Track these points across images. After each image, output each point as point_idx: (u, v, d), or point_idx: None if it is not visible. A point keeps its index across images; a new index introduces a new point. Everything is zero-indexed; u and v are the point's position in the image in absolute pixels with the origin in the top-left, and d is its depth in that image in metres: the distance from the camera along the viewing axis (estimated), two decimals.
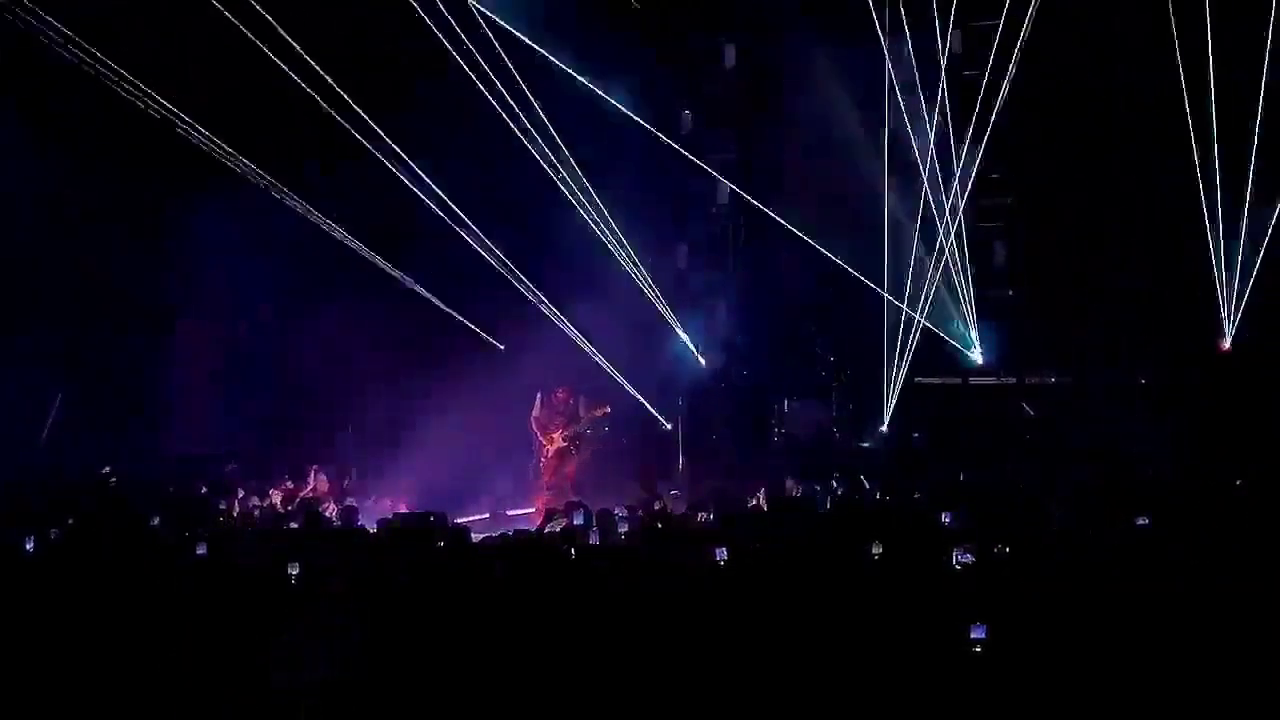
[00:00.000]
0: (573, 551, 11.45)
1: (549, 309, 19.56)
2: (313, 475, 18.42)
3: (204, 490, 17.31)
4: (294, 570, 10.36)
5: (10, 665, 8.66)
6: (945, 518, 12.45)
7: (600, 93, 19.13)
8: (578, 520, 12.93)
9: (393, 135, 18.44)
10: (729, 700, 8.44)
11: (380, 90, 18.42)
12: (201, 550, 11.31)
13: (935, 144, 20.01)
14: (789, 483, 16.79)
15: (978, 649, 8.44)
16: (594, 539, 12.31)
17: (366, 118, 18.14)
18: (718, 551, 10.82)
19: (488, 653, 8.76)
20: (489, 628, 9.00)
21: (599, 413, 19.04)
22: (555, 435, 18.94)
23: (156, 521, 13.60)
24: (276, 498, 17.63)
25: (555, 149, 19.12)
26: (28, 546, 10.86)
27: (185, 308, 20.11)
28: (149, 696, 8.55)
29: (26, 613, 9.23)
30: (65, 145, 18.20)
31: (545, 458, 19.00)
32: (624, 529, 13.40)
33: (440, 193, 18.83)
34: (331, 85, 17.78)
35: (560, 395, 19.05)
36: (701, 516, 14.12)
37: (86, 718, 8.44)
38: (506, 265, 19.39)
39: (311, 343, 19.39)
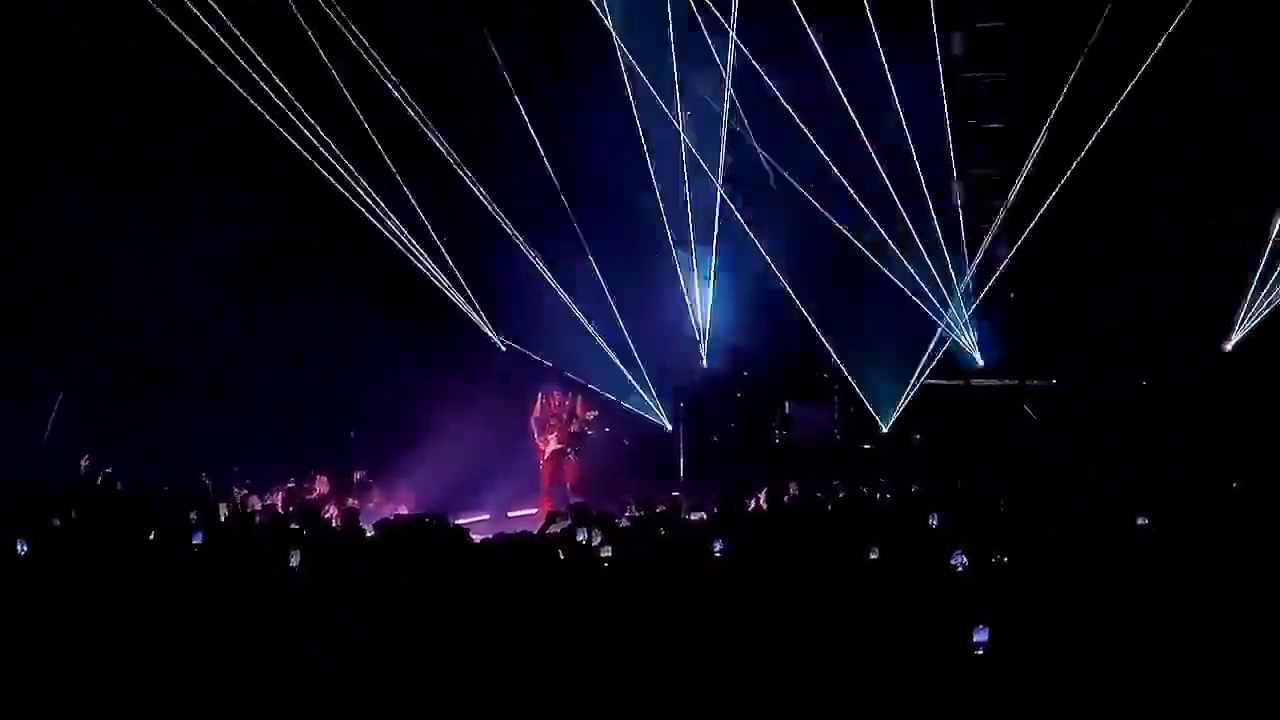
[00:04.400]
0: (563, 555, 11.42)
1: (550, 309, 19.58)
2: (314, 479, 18.40)
3: (209, 489, 17.32)
4: (294, 560, 10.36)
5: (9, 667, 8.66)
6: (934, 519, 12.46)
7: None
8: (581, 537, 12.83)
9: (394, 137, 18.50)
10: (730, 702, 8.43)
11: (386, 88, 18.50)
12: (198, 539, 11.32)
13: (937, 144, 20.04)
14: (791, 485, 16.79)
15: (980, 652, 8.43)
16: (597, 541, 12.29)
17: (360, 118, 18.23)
18: (717, 543, 10.82)
19: (487, 653, 8.75)
20: (487, 628, 8.99)
21: (590, 415, 18.91)
22: (550, 438, 18.81)
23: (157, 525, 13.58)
24: (278, 500, 17.62)
25: (557, 150, 19.19)
26: (21, 550, 10.84)
27: (182, 308, 20.07)
28: (148, 697, 8.55)
29: (22, 614, 9.23)
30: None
31: (543, 460, 18.88)
32: (625, 523, 13.42)
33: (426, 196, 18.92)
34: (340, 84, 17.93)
35: (557, 396, 18.93)
36: (697, 516, 14.13)
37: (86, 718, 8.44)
38: (508, 264, 19.43)
39: (313, 346, 19.40)
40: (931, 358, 20.38)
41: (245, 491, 17.44)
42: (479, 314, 19.83)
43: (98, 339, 19.54)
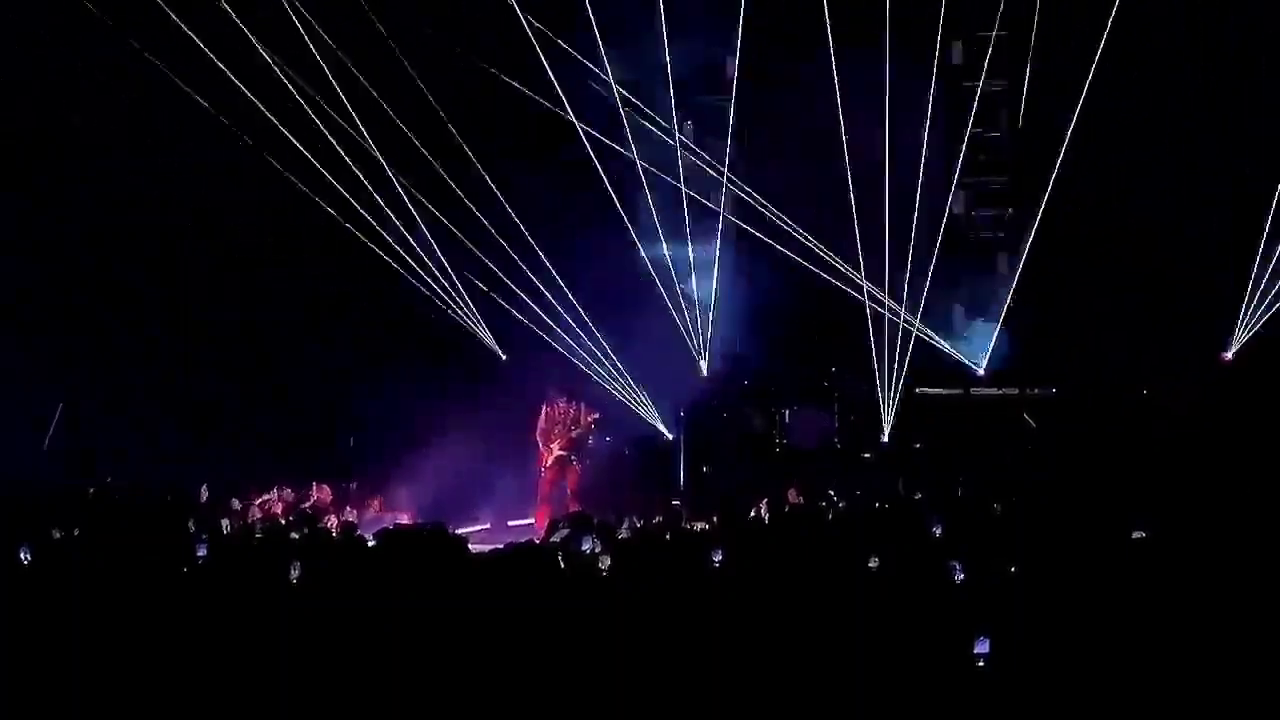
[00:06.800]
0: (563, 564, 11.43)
1: (551, 319, 19.58)
2: (314, 487, 18.39)
3: (204, 497, 17.35)
4: (295, 571, 10.38)
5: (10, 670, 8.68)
6: (936, 529, 12.47)
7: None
8: (585, 545, 12.83)
9: (390, 139, 18.57)
10: (731, 708, 8.44)
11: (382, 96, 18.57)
12: (202, 552, 11.36)
13: (938, 153, 20.07)
14: (791, 493, 16.81)
15: (980, 663, 8.44)
16: (598, 549, 12.29)
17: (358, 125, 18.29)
18: (714, 553, 10.84)
19: (486, 658, 8.76)
20: (487, 634, 8.99)
21: (591, 419, 18.81)
22: (554, 446, 18.66)
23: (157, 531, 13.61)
24: (277, 509, 17.61)
25: (556, 156, 19.25)
26: (24, 559, 10.87)
27: (181, 316, 20.10)
28: (149, 699, 8.56)
29: (24, 619, 9.25)
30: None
31: (544, 469, 18.73)
32: (625, 535, 13.42)
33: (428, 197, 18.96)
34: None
35: (561, 405, 18.79)
36: (698, 526, 14.12)
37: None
38: (508, 274, 19.44)
39: (312, 355, 19.42)
40: (920, 365, 20.40)
41: (246, 502, 17.46)
42: (480, 327, 19.86)
43: (99, 343, 19.59)
